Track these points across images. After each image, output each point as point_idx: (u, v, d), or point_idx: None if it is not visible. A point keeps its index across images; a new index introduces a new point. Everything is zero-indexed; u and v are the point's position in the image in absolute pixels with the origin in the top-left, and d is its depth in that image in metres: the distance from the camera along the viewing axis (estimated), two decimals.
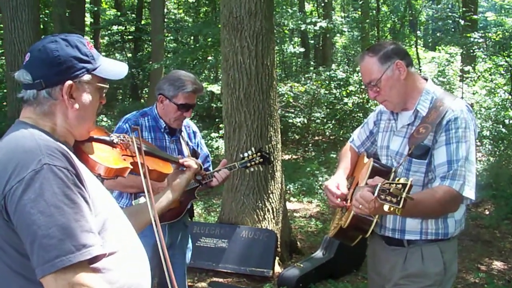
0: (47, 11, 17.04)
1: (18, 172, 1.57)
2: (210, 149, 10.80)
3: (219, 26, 6.55)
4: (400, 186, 2.06)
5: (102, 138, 2.15)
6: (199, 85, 3.54)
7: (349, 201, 2.81)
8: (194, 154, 3.64)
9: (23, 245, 1.57)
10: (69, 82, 1.76)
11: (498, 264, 6.07)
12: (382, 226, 2.80)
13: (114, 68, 1.92)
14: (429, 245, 2.71)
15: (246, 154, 3.53)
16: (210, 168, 3.88)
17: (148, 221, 2.18)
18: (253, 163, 3.50)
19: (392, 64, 2.66)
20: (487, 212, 8.15)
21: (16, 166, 1.58)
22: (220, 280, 5.34)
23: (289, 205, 8.15)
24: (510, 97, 11.00)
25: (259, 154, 3.51)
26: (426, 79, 2.82)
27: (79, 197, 1.61)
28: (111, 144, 2.18)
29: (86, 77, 1.81)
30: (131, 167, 2.20)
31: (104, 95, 1.93)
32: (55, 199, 1.55)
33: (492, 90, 12.57)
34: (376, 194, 2.12)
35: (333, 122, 14.06)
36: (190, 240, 3.93)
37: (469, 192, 2.55)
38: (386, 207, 2.07)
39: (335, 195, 2.86)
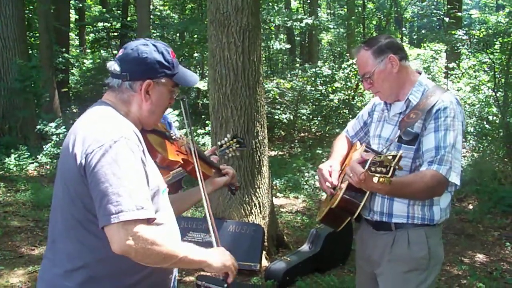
0: (31, 7, 16.92)
1: (100, 139, 1.90)
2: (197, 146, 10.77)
3: (205, 22, 6.59)
4: (390, 157, 2.14)
5: (162, 131, 2.48)
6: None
7: (338, 187, 2.88)
8: None
9: (89, 200, 1.90)
10: (149, 80, 2.10)
11: (481, 257, 6.17)
12: (370, 210, 2.88)
13: (188, 77, 2.26)
14: (416, 229, 2.79)
15: (223, 141, 3.60)
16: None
17: (185, 209, 2.78)
18: (230, 149, 3.58)
19: (385, 58, 2.77)
20: (471, 207, 8.26)
21: (100, 134, 1.92)
22: (208, 274, 5.36)
23: (276, 201, 8.20)
24: (493, 94, 11.11)
25: (235, 140, 3.60)
26: (420, 73, 2.93)
27: (143, 170, 1.95)
28: (169, 138, 2.51)
29: (163, 80, 2.14)
30: (182, 162, 2.53)
31: (174, 97, 2.25)
32: (126, 165, 1.88)
33: (476, 87, 12.69)
34: (366, 167, 2.22)
35: (319, 118, 14.13)
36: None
37: (455, 178, 2.64)
38: (375, 179, 2.16)
39: (326, 180, 2.93)
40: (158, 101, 2.16)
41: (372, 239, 2.95)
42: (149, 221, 1.91)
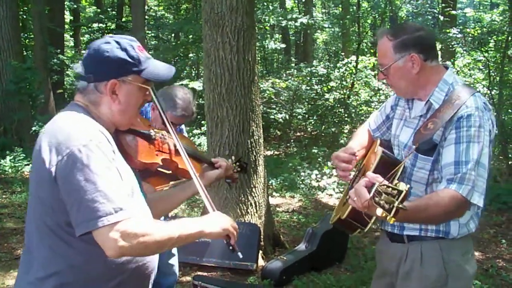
0: (25, 8, 16.87)
1: (68, 144, 1.84)
2: None
3: (200, 22, 6.57)
4: (395, 192, 1.88)
5: (140, 131, 2.33)
6: (189, 111, 3.64)
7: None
8: None
9: (60, 207, 1.86)
10: (113, 80, 2.01)
11: (476, 254, 6.17)
12: (382, 220, 2.53)
13: (160, 71, 2.12)
14: (429, 243, 2.54)
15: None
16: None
17: (178, 204, 2.63)
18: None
19: (407, 55, 2.47)
20: None
21: (67, 139, 1.86)
22: (204, 274, 5.37)
23: (272, 200, 8.20)
24: (488, 92, 11.13)
25: (237, 164, 3.42)
26: (446, 68, 2.60)
27: (117, 170, 1.90)
28: (148, 138, 2.37)
29: (130, 77, 2.04)
30: (161, 163, 2.40)
31: (148, 93, 2.13)
32: (99, 169, 1.82)
33: (471, 85, 12.70)
34: (371, 194, 1.94)
35: (314, 117, 14.12)
36: None
37: (478, 199, 2.32)
38: (379, 212, 1.89)
39: (340, 157, 2.69)
40: (127, 101, 2.06)
41: (389, 250, 2.74)
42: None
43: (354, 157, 2.70)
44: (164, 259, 3.83)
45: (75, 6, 21.03)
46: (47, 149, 1.88)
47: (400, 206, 1.85)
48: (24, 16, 16.88)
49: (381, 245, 2.88)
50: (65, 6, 19.76)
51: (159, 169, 2.53)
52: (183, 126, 4.03)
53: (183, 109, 3.57)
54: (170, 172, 2.97)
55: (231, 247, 2.24)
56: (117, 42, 2.03)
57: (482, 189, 2.34)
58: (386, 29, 2.64)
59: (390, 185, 1.91)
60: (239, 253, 2.27)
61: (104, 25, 21.43)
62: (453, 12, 13.02)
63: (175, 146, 2.42)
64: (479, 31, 11.97)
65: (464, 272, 2.54)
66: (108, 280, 1.98)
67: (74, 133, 1.88)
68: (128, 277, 2.02)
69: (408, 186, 1.90)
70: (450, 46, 13.08)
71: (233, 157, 3.62)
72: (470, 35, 12.31)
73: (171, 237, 1.94)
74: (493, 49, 11.73)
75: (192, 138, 11.92)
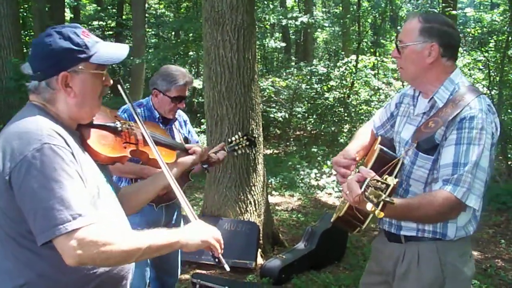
0: (26, 5, 16.87)
1: (22, 150, 1.74)
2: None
3: (201, 21, 6.57)
4: (383, 186, 1.88)
5: (104, 124, 2.20)
6: (190, 77, 3.73)
7: None
8: (186, 141, 3.75)
9: (18, 214, 1.77)
10: (63, 73, 1.89)
11: (475, 254, 6.18)
12: (381, 218, 2.58)
13: (111, 53, 2.01)
14: (426, 244, 2.51)
15: (233, 138, 3.68)
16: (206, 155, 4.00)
17: (150, 197, 2.45)
18: (240, 146, 3.66)
19: (428, 43, 2.43)
20: None
21: (20, 145, 1.76)
22: (203, 272, 5.37)
23: (271, 199, 8.21)
24: (488, 92, 11.13)
25: (245, 137, 3.65)
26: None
27: (76, 173, 1.80)
28: (114, 130, 2.23)
29: (80, 65, 1.92)
30: (130, 156, 2.27)
31: (105, 78, 2.02)
32: (55, 174, 1.73)
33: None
34: (362, 189, 1.94)
35: (314, 116, 14.12)
36: (182, 220, 4.02)
37: (474, 202, 2.30)
38: (369, 206, 1.88)
39: (339, 163, 2.64)
40: (83, 91, 1.94)
41: (386, 249, 2.71)
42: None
43: (354, 161, 2.67)
44: (171, 258, 3.85)
45: (75, 3, 21.03)
46: (0, 155, 1.78)
47: (387, 199, 1.84)
48: (25, 14, 16.91)
49: (378, 243, 2.86)
50: (66, 3, 19.76)
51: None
52: (186, 118, 4.08)
53: (182, 76, 3.65)
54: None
55: (216, 260, 2.14)
56: (59, 33, 1.92)
57: (480, 192, 2.32)
58: (420, 13, 2.61)
59: (379, 179, 1.91)
60: (226, 266, 2.17)
61: (104, 23, 21.44)
62: (454, 12, 13.01)
63: (143, 136, 2.34)
64: (479, 31, 11.98)
65: (461, 274, 2.51)
66: (82, 287, 1.90)
67: (28, 138, 1.77)
68: (103, 281, 1.94)
69: (397, 180, 1.89)
70: None
71: (239, 133, 3.75)
72: (470, 35, 12.32)
73: (138, 247, 1.84)
74: (493, 49, 11.72)
75: None
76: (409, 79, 2.62)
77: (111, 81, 2.07)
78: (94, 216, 1.78)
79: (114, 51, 2.02)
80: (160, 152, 2.34)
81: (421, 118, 2.57)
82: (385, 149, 2.58)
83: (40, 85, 1.92)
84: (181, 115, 4.02)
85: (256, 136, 5.76)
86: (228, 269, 2.19)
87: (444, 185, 2.30)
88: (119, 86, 2.32)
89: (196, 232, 2.03)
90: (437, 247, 2.49)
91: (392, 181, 1.88)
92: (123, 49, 2.06)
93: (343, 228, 2.70)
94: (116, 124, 2.24)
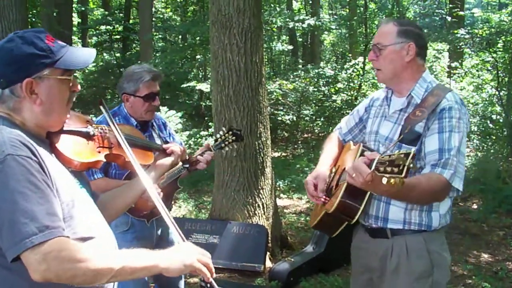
0: (34, 11, 16.97)
1: None
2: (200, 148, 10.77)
3: (207, 24, 6.58)
4: (403, 155, 1.95)
5: (76, 129, 2.10)
6: (156, 71, 3.56)
7: (332, 192, 2.74)
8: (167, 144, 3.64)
9: None
10: (27, 79, 1.80)
11: (485, 257, 6.15)
12: (366, 213, 2.72)
13: (78, 57, 1.92)
14: (413, 236, 2.64)
15: (218, 136, 3.51)
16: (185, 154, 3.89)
17: (128, 203, 2.36)
18: (226, 142, 3.49)
19: (406, 43, 2.63)
20: (475, 206, 8.23)
21: None
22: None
23: (279, 202, 8.19)
24: (497, 92, 11.09)
25: (230, 132, 3.49)
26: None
27: (43, 183, 1.68)
28: (86, 135, 2.14)
29: (46, 71, 1.83)
30: (104, 160, 2.19)
31: (72, 84, 1.92)
32: (19, 185, 1.63)
33: (480, 86, 12.67)
34: (373, 167, 2.04)
35: (322, 119, 14.12)
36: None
37: (458, 183, 2.49)
38: (384, 180, 1.94)
39: (311, 195, 2.85)
40: (50, 98, 1.84)
41: (370, 247, 2.80)
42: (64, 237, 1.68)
43: (324, 183, 2.84)
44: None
45: (83, 8, 21.14)
46: None
47: (411, 165, 1.93)
48: (33, 19, 16.97)
49: (359, 242, 2.94)
50: (73, 8, 19.87)
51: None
52: (165, 120, 3.92)
53: (147, 72, 3.47)
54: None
55: (208, 285, 2.01)
56: (21, 37, 1.83)
57: (462, 175, 2.52)
58: (393, 18, 2.77)
59: (393, 153, 2.01)
60: None
61: (111, 27, 21.53)
62: (461, 12, 13.00)
63: (116, 138, 2.26)
64: (487, 32, 11.92)
65: (444, 261, 2.70)
66: None
67: None
68: None
69: (413, 149, 2.03)
70: (458, 47, 13.04)
71: (224, 128, 3.56)
72: (478, 35, 12.26)
73: (110, 268, 1.70)
74: (501, 49, 11.66)
75: (199, 139, 11.94)
76: (386, 79, 2.76)
77: (79, 87, 1.97)
78: (62, 229, 1.68)
79: (81, 56, 1.94)
80: (136, 154, 2.27)
81: (398, 114, 2.73)
82: (367, 146, 2.77)
83: (4, 93, 1.82)
84: (159, 117, 3.87)
85: (261, 148, 5.76)
86: None
87: (432, 168, 2.48)
88: (101, 107, 2.28)
89: (179, 255, 1.89)
90: (424, 238, 2.64)
91: (407, 150, 1.97)
92: (90, 54, 1.98)
93: (324, 232, 2.87)
94: (88, 129, 2.16)
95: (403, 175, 1.92)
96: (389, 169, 1.96)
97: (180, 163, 3.12)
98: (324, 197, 2.80)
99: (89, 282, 1.69)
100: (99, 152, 2.17)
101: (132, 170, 2.31)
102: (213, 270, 1.97)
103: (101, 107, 2.27)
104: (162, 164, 2.57)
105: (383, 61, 2.69)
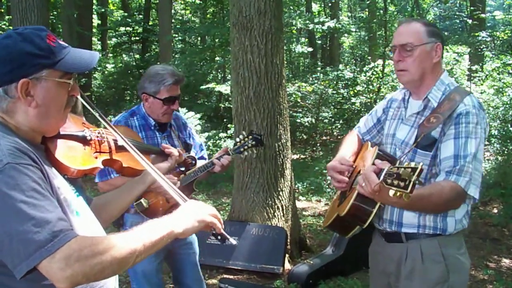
0: (55, 12, 17.16)
1: None
2: (219, 149, 10.82)
3: (227, 26, 6.60)
4: (409, 170, 1.89)
5: (72, 134, 2.00)
6: (179, 75, 3.49)
7: (347, 191, 2.70)
8: (186, 145, 3.59)
9: None
10: (23, 80, 1.68)
11: (507, 262, 6.08)
12: (380, 217, 2.70)
13: (79, 60, 1.80)
14: (428, 240, 2.60)
15: (237, 140, 3.48)
16: (205, 156, 3.86)
17: (124, 207, 2.27)
18: (246, 147, 3.46)
19: (435, 43, 2.59)
20: (496, 211, 8.14)
21: None
22: (231, 277, 5.38)
23: (298, 204, 8.18)
24: None
25: (250, 137, 3.45)
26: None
27: (46, 191, 1.59)
28: (83, 140, 2.04)
29: (44, 73, 1.71)
30: (102, 167, 2.08)
31: (71, 88, 1.81)
32: (23, 195, 1.52)
33: (500, 89, 12.54)
34: (381, 178, 1.99)
35: (340, 122, 14.08)
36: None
37: (474, 191, 2.43)
38: (391, 192, 1.91)
39: (337, 180, 2.71)
40: (46, 101, 1.72)
41: (386, 251, 2.77)
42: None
43: (350, 167, 2.75)
44: (191, 269, 3.84)
45: (103, 10, 21.31)
46: None
47: (417, 181, 1.88)
48: (54, 21, 17.17)
49: (375, 247, 2.92)
50: (93, 10, 20.06)
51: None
52: (185, 120, 3.87)
53: (171, 75, 3.41)
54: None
55: (219, 237, 1.99)
56: (20, 34, 1.70)
57: (478, 182, 2.45)
58: (412, 18, 2.75)
59: (401, 166, 1.95)
60: (232, 240, 2.02)
61: (131, 29, 21.69)
62: (482, 15, 12.90)
63: (116, 143, 2.17)
64: (509, 34, 11.82)
65: (462, 265, 2.63)
66: None
67: None
68: None
69: (421, 163, 1.93)
70: (479, 49, 12.94)
71: (244, 132, 3.52)
72: (500, 38, 12.16)
73: (133, 249, 1.62)
74: None
75: (218, 141, 11.98)
76: (413, 80, 2.66)
77: (79, 92, 1.85)
78: (75, 231, 1.59)
79: (83, 58, 1.81)
80: (131, 158, 2.16)
81: (415, 118, 2.68)
82: (382, 149, 2.75)
83: None
84: (180, 117, 3.82)
85: (280, 150, 5.75)
86: (234, 243, 2.04)
87: (447, 176, 2.42)
88: (79, 97, 2.04)
89: (189, 214, 1.84)
90: (439, 242, 2.59)
91: (416, 164, 1.91)
92: (92, 57, 1.84)
93: (338, 232, 2.82)
94: (84, 133, 2.05)
95: (408, 190, 1.88)
96: (396, 182, 1.92)
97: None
98: (347, 181, 2.70)
99: (117, 271, 1.63)
100: (96, 157, 2.07)
101: (131, 175, 2.29)
102: (222, 221, 1.96)
103: (79, 97, 2.01)
104: (161, 168, 2.51)
105: (412, 62, 2.59)
